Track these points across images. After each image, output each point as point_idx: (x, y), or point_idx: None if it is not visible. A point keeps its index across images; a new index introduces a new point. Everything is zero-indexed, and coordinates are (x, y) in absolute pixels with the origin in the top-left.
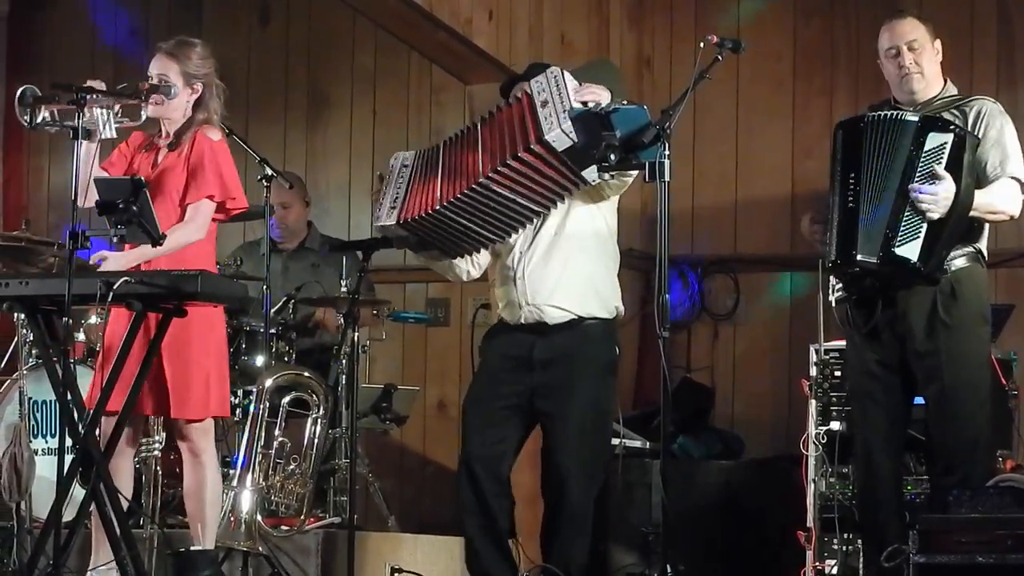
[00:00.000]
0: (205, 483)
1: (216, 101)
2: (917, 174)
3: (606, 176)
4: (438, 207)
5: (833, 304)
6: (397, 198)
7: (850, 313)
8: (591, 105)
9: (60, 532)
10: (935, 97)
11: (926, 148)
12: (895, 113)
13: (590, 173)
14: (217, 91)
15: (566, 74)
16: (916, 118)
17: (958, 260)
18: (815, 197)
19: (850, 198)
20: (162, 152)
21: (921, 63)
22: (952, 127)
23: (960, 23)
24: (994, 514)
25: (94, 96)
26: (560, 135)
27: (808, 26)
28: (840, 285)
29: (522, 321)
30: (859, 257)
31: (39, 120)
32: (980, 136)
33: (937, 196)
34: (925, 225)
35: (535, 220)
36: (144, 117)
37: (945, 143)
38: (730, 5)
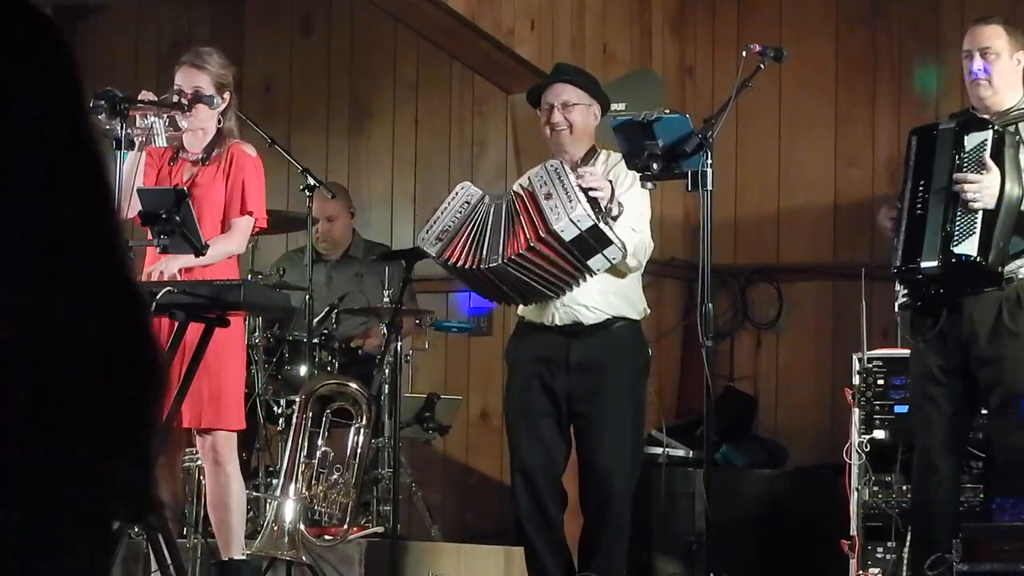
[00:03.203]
0: (231, 492)
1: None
2: (964, 172)
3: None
4: (469, 267)
5: (897, 310)
6: (446, 231)
7: (912, 320)
8: (597, 194)
9: None
10: (1011, 108)
11: (967, 148)
12: (944, 124)
13: (596, 262)
14: (233, 99)
15: (565, 166)
16: (953, 124)
17: None
18: (858, 206)
19: (919, 205)
20: (188, 166)
21: (992, 71)
22: (989, 125)
23: None
24: None
25: (144, 106)
26: (568, 224)
27: (851, 34)
28: (905, 291)
29: (556, 322)
30: (922, 264)
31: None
32: None
33: (981, 183)
34: (979, 219)
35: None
36: (185, 127)
37: (985, 140)
38: (772, 14)
